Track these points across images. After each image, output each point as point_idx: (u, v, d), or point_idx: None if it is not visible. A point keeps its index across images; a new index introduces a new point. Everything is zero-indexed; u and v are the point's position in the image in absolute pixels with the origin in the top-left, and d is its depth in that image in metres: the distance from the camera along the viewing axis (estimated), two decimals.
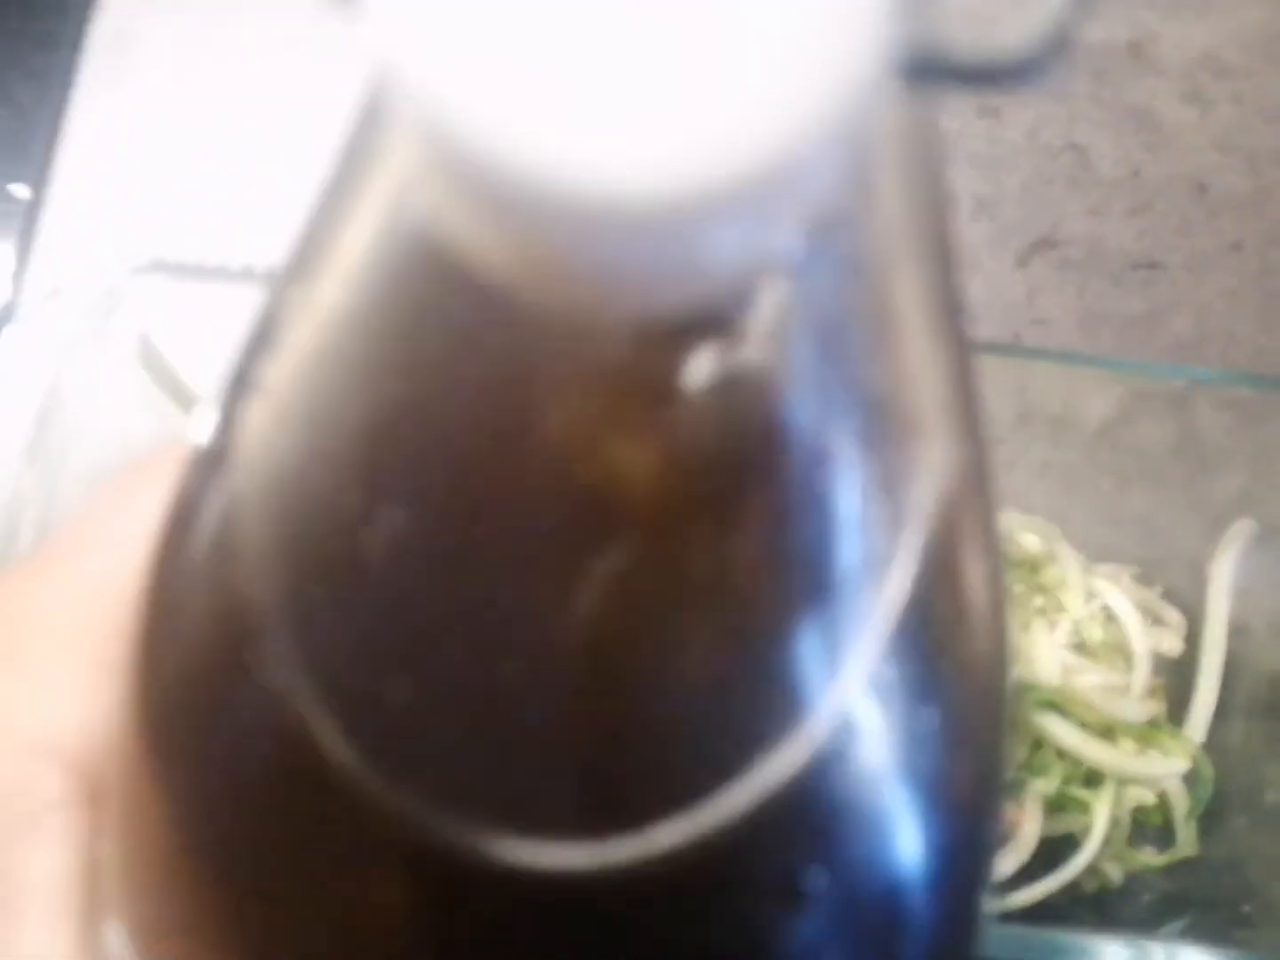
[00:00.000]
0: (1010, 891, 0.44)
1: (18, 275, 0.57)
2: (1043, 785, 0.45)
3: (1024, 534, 0.49)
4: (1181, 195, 0.59)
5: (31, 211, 0.58)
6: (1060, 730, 0.45)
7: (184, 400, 0.47)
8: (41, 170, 0.59)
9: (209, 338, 0.47)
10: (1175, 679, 0.48)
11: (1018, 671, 0.45)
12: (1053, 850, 0.45)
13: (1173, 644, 0.49)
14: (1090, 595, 0.48)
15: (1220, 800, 0.46)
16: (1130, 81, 0.61)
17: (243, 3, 0.62)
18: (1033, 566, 0.49)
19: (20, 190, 0.59)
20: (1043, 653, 0.46)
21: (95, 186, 0.59)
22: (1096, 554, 0.50)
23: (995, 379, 0.49)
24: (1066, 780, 0.45)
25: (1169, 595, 0.50)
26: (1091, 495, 0.50)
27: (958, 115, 0.60)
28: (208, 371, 0.48)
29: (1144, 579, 0.50)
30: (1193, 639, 0.48)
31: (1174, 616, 0.49)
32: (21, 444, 0.44)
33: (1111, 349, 0.56)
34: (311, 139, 0.58)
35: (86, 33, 0.61)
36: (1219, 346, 0.57)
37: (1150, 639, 0.48)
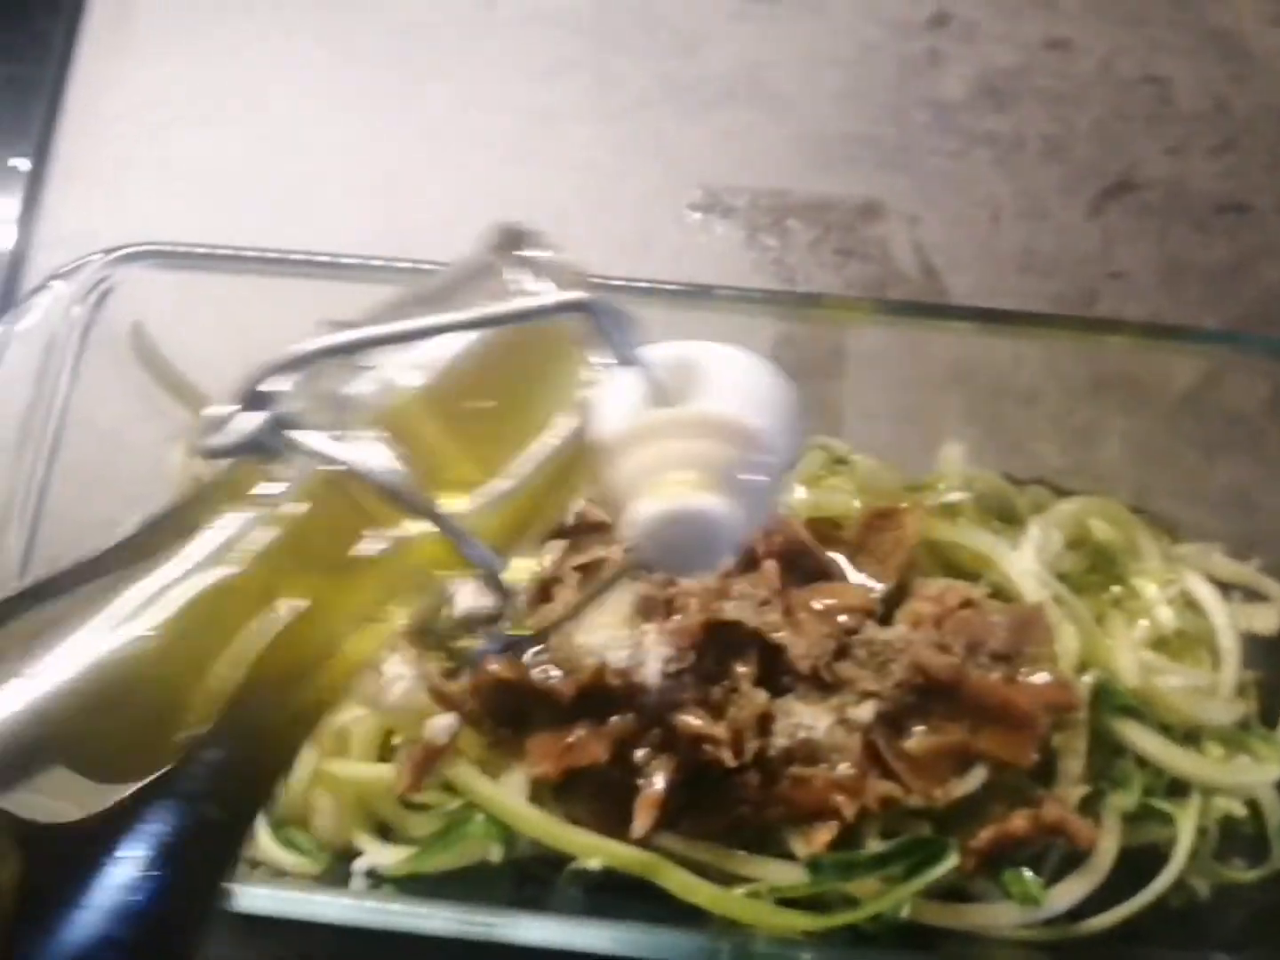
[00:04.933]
0: (1086, 916, 0.40)
1: (17, 254, 0.54)
2: (1121, 798, 0.40)
3: (1095, 519, 0.44)
4: (1272, 130, 0.54)
5: (33, 185, 0.55)
6: (1140, 737, 0.41)
7: (176, 389, 0.44)
8: (43, 143, 0.56)
9: (203, 325, 0.45)
10: (1270, 672, 0.44)
11: (1093, 674, 0.41)
12: (1134, 867, 0.41)
13: (1267, 620, 0.44)
14: (1169, 583, 0.44)
15: None
16: (1213, 2, 0.56)
17: None
18: (1107, 555, 0.44)
19: (21, 164, 0.56)
20: (1120, 652, 0.42)
21: (97, 160, 0.56)
22: (1181, 532, 0.45)
23: (1068, 338, 0.44)
24: (1148, 791, 0.41)
25: (1270, 570, 0.45)
26: (1175, 467, 0.46)
27: (1022, 47, 0.55)
28: (200, 359, 0.45)
29: (1238, 554, 0.45)
30: None
31: (1274, 588, 0.44)
32: (14, 435, 0.42)
33: (1196, 303, 0.51)
34: (317, 118, 0.55)
35: (86, 3, 0.58)
36: None
37: (1243, 619, 0.43)
